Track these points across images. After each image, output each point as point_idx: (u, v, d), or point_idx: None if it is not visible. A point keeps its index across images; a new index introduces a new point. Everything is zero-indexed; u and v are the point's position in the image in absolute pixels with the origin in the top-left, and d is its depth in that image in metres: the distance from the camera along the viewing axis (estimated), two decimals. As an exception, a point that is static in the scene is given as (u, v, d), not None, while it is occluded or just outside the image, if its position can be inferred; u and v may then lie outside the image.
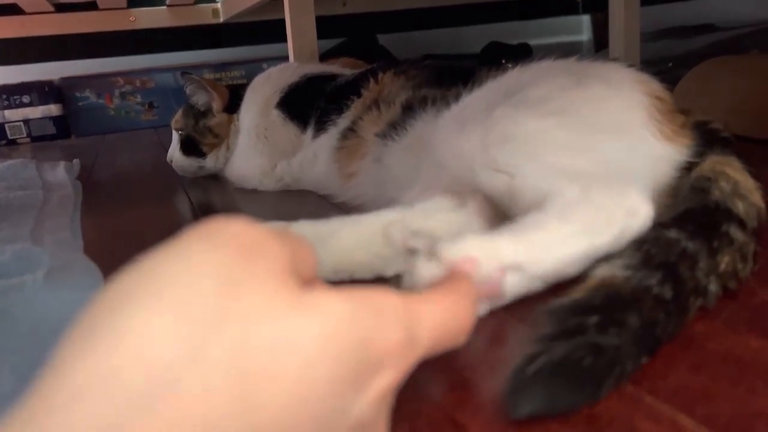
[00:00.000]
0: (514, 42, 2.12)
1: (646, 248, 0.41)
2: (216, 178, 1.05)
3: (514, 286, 0.43)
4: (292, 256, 0.25)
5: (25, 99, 1.81)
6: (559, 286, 0.43)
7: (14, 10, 1.82)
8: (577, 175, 0.48)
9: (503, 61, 0.74)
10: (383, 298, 0.26)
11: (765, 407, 0.32)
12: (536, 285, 0.44)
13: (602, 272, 0.40)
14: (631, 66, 0.60)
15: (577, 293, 0.38)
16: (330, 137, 0.83)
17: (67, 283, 0.56)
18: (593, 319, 0.35)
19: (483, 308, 0.43)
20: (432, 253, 0.40)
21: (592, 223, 0.44)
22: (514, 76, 0.61)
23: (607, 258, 0.42)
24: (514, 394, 0.32)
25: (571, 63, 0.61)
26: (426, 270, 0.39)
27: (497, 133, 0.53)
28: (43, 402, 0.20)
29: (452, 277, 0.36)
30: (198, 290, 0.21)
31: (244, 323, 0.22)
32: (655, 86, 0.57)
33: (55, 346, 0.21)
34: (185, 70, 1.08)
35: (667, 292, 0.38)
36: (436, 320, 0.28)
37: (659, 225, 0.44)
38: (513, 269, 0.42)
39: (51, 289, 0.55)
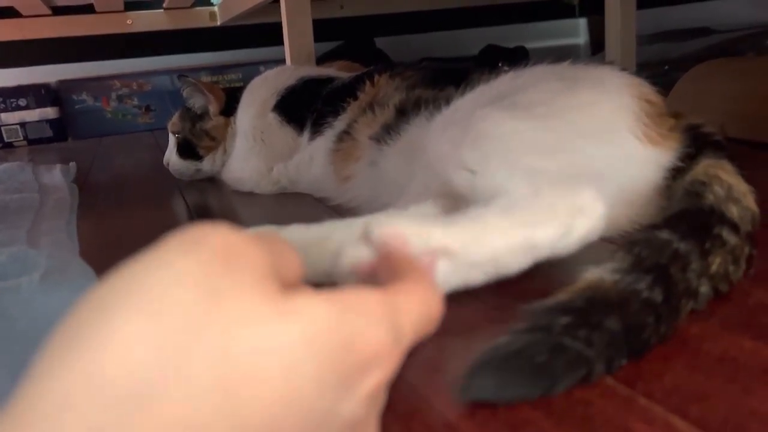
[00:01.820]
0: (511, 45, 2.13)
1: (637, 251, 0.41)
2: (213, 181, 1.05)
3: (448, 273, 0.42)
4: (274, 260, 0.25)
5: (22, 102, 1.81)
6: (550, 288, 0.43)
7: (11, 13, 1.83)
8: (535, 175, 0.48)
9: (500, 64, 0.75)
10: (365, 299, 0.26)
11: (759, 407, 0.32)
12: (475, 276, 0.43)
13: (590, 275, 0.40)
14: (623, 69, 0.60)
15: (562, 295, 0.39)
16: (326, 140, 0.83)
17: (63, 285, 0.56)
18: (564, 320, 0.36)
19: None
20: (362, 236, 0.39)
21: (531, 217, 0.44)
22: (507, 80, 0.61)
23: (597, 261, 0.42)
24: (467, 379, 0.33)
25: (563, 67, 0.61)
26: (355, 251, 0.38)
27: (471, 133, 0.53)
28: (27, 412, 0.19)
29: (403, 263, 0.34)
30: (178, 297, 0.21)
31: (225, 329, 0.22)
32: (646, 89, 0.57)
33: (39, 352, 0.21)
34: (182, 73, 1.08)
35: (658, 296, 0.38)
36: (415, 311, 0.28)
37: (651, 227, 0.44)
38: (444, 254, 0.41)
39: (47, 292, 0.55)
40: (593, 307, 0.37)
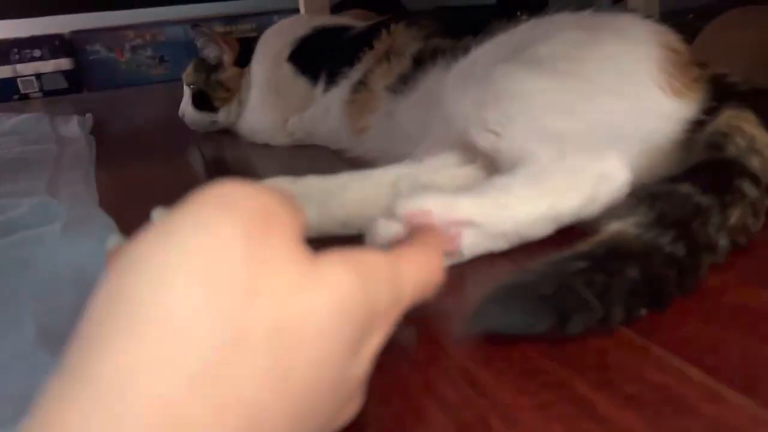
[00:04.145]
0: (530, -7, 2.07)
1: (660, 206, 0.41)
2: (228, 133, 1.05)
3: (472, 243, 0.43)
4: (298, 221, 0.25)
5: (36, 53, 1.80)
6: (570, 239, 0.43)
7: (22, -39, 1.80)
8: (559, 138, 0.48)
9: (518, 13, 0.73)
10: (374, 261, 0.26)
11: (773, 358, 0.32)
12: (498, 244, 0.45)
13: (613, 227, 0.40)
14: (647, 17, 0.58)
15: (583, 245, 0.39)
16: (341, 91, 0.82)
17: (84, 235, 0.56)
18: (580, 264, 0.36)
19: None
20: (390, 212, 0.40)
21: (557, 187, 0.45)
22: (526, 30, 0.60)
23: (619, 215, 0.42)
24: (474, 311, 0.34)
25: (585, 16, 0.59)
26: (385, 228, 0.41)
27: (493, 92, 0.53)
28: (88, 379, 0.19)
29: (420, 232, 0.36)
30: (228, 265, 0.21)
31: (273, 298, 0.22)
32: (671, 38, 0.55)
33: (77, 307, 0.21)
34: (196, 23, 1.07)
35: (680, 250, 0.38)
36: (415, 277, 0.29)
37: (672, 179, 0.44)
38: (468, 226, 0.42)
39: (69, 241, 0.56)
40: (614, 255, 0.37)
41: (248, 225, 0.22)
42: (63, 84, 1.84)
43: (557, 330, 0.34)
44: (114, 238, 0.35)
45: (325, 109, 0.86)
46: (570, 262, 0.36)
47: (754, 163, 0.45)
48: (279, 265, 0.23)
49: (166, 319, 0.20)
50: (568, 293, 0.34)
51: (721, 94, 0.53)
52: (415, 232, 0.37)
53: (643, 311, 0.36)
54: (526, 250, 0.45)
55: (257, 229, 0.22)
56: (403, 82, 0.71)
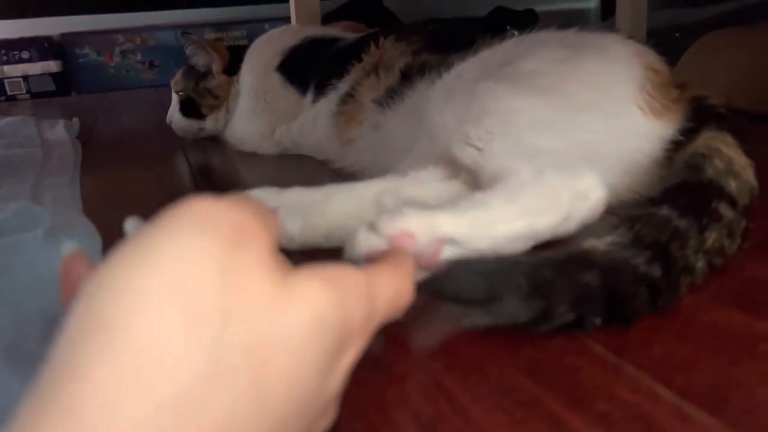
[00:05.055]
0: (521, 8, 2.09)
1: (638, 228, 0.42)
2: (215, 140, 1.05)
3: (451, 258, 0.44)
4: (270, 234, 0.25)
5: (25, 54, 1.79)
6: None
7: (13, -37, 1.80)
8: (539, 155, 0.49)
9: (508, 28, 0.74)
10: (351, 277, 0.27)
11: (743, 379, 0.33)
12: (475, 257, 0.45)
13: (586, 244, 0.41)
14: (630, 37, 0.59)
15: (549, 252, 0.40)
16: (329, 102, 0.83)
17: (65, 241, 0.56)
18: (532, 259, 0.37)
19: (419, 276, 0.44)
20: (373, 227, 0.41)
21: (535, 205, 0.46)
22: (510, 46, 0.61)
23: (598, 234, 0.42)
24: (427, 279, 0.37)
25: (569, 34, 0.60)
26: (366, 242, 0.41)
27: (476, 107, 0.54)
28: (62, 408, 0.19)
29: (394, 252, 0.38)
30: (200, 285, 0.21)
31: (248, 316, 0.22)
32: (652, 58, 0.57)
33: (55, 316, 0.21)
34: (186, 30, 1.07)
35: (656, 271, 0.39)
36: (387, 295, 0.30)
37: (650, 201, 0.45)
38: (449, 243, 0.43)
39: (50, 248, 0.55)
40: (574, 261, 0.38)
41: (222, 245, 0.22)
42: (51, 86, 1.83)
43: (487, 306, 0.36)
44: (69, 245, 0.35)
45: (313, 120, 0.86)
46: (525, 258, 0.38)
47: (731, 185, 0.46)
48: (254, 284, 0.23)
49: (141, 344, 0.20)
50: (504, 275, 0.36)
51: (700, 115, 0.54)
52: (391, 249, 0.38)
53: (598, 320, 0.37)
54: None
55: (231, 249, 0.23)
56: (391, 96, 0.71)
